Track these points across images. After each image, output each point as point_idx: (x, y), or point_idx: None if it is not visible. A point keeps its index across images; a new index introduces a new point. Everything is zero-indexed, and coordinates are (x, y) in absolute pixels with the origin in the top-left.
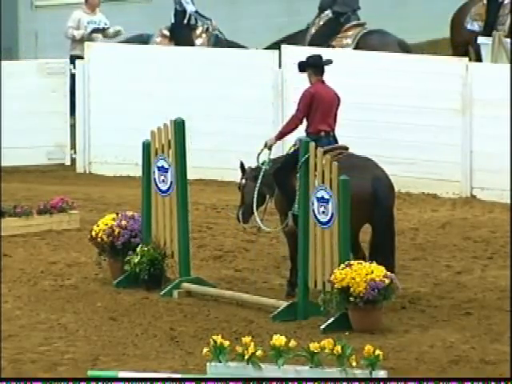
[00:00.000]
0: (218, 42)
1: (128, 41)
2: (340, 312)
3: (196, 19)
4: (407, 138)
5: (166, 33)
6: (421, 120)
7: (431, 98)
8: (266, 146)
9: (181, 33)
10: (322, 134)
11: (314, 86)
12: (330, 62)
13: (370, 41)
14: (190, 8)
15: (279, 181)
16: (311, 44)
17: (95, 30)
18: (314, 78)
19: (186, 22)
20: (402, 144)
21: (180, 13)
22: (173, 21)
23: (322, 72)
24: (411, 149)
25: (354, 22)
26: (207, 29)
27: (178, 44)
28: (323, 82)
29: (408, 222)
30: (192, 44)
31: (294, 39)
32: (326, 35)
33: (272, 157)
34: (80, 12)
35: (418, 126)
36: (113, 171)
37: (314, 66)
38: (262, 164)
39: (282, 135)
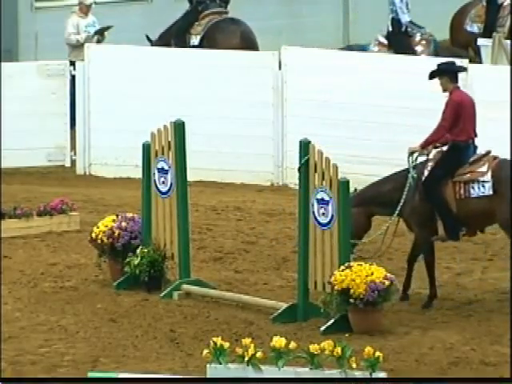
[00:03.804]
0: (437, 48)
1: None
2: (340, 314)
3: (411, 28)
4: (408, 139)
5: (384, 41)
6: (421, 121)
7: (431, 99)
8: (410, 153)
9: (399, 40)
10: (470, 141)
11: (456, 93)
12: (463, 68)
13: (215, 29)
14: (404, 18)
15: (431, 189)
16: (177, 34)
17: (98, 32)
18: (451, 86)
19: (403, 30)
20: (403, 145)
21: (396, 21)
22: (390, 29)
23: (457, 78)
24: None
25: (213, 10)
26: (424, 35)
27: (396, 52)
28: (459, 88)
29: None
30: (412, 51)
31: (169, 32)
32: (187, 23)
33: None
34: (76, 17)
35: (418, 127)
36: (113, 173)
37: (449, 73)
38: (414, 168)
39: (427, 144)
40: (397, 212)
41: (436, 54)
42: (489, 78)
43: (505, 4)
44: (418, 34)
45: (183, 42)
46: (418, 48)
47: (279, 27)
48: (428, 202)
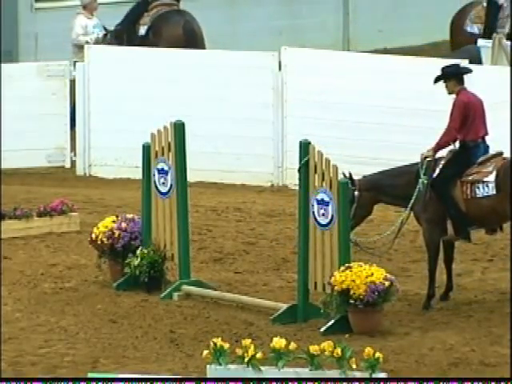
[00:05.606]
0: None
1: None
2: (340, 314)
3: None
4: (408, 140)
5: None
6: (421, 122)
7: (431, 100)
8: (424, 157)
9: None
10: (480, 140)
11: (463, 94)
12: (470, 70)
13: (160, 20)
14: None
15: (440, 189)
16: (128, 25)
17: (107, 33)
18: (458, 87)
19: None
20: (403, 146)
21: None
22: (508, 31)
23: (463, 81)
24: (414, 151)
25: (163, 1)
26: None
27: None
28: (465, 88)
29: (408, 225)
30: None
31: (122, 24)
32: (136, 14)
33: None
34: (83, 17)
35: (418, 127)
36: (113, 173)
37: (456, 76)
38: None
39: (439, 147)
40: (409, 207)
41: None
42: (489, 78)
43: (505, 5)
44: None
45: (133, 33)
46: None
47: (279, 27)
48: (439, 201)
